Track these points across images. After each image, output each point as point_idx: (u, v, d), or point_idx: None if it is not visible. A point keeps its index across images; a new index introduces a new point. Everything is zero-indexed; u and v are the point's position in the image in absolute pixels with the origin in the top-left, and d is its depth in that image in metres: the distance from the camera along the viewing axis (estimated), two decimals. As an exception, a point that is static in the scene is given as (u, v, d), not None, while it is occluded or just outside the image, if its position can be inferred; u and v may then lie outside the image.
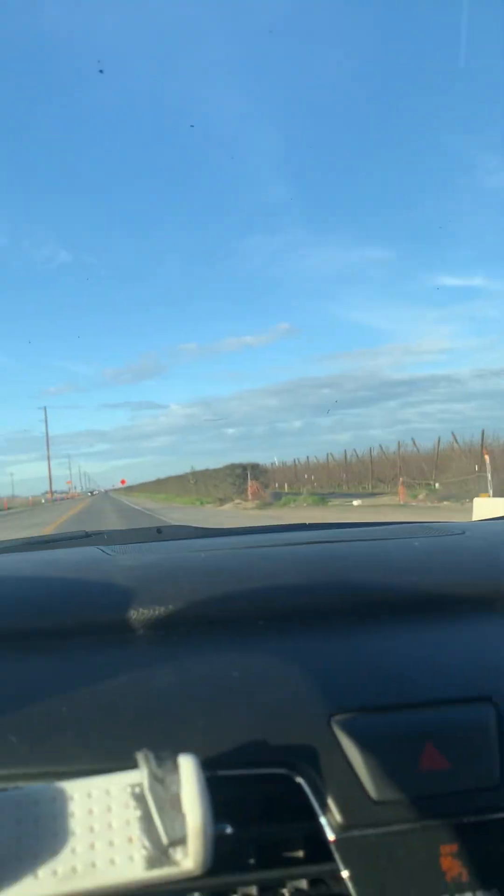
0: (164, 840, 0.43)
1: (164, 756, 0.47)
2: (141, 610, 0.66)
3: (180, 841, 0.43)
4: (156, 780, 0.45)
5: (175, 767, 0.46)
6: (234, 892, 0.51)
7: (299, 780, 0.51)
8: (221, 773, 0.50)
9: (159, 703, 0.55)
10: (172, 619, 0.66)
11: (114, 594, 0.67)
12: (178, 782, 0.45)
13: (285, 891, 0.51)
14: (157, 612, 0.66)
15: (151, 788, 0.45)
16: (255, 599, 0.68)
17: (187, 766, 0.45)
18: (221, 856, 0.45)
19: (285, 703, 0.55)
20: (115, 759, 0.50)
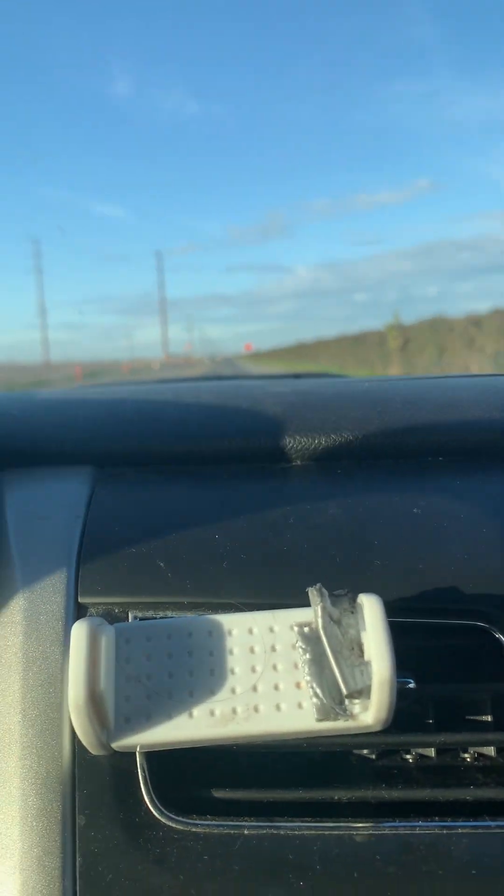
0: (342, 689, 0.36)
1: (341, 594, 0.39)
2: (298, 438, 0.57)
3: (361, 692, 0.36)
4: (331, 619, 0.37)
5: (353, 608, 0.38)
6: (409, 753, 0.43)
7: (499, 635, 0.42)
8: (404, 620, 0.42)
9: (327, 540, 0.46)
10: (335, 449, 0.57)
11: (267, 419, 0.59)
12: (357, 625, 0.38)
13: (467, 756, 0.43)
14: (316, 441, 0.57)
15: (326, 628, 0.37)
16: (437, 432, 0.58)
17: (372, 607, 0.37)
18: (399, 712, 0.37)
19: (480, 547, 0.46)
20: (276, 597, 0.43)
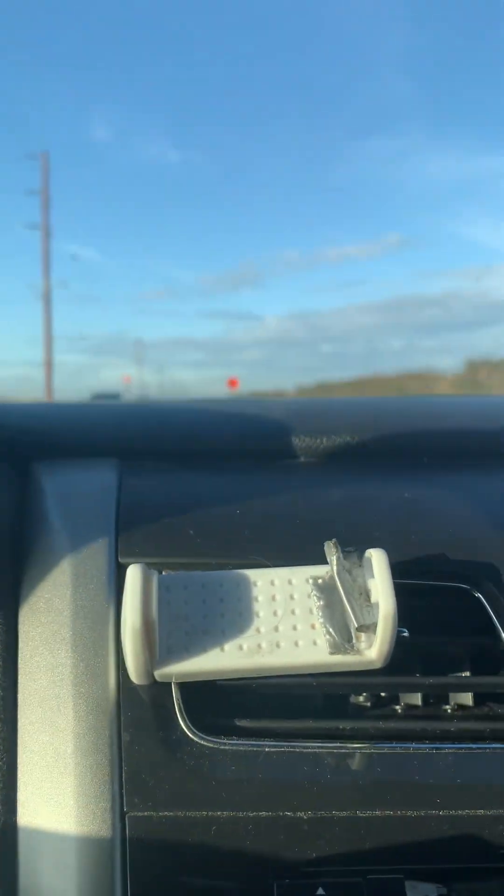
0: (353, 623, 0.43)
1: (351, 550, 0.46)
2: (303, 438, 0.65)
3: (367, 628, 0.43)
4: (343, 569, 0.45)
5: (361, 563, 0.46)
6: (398, 703, 0.50)
7: (478, 594, 0.50)
8: (400, 581, 0.49)
9: (333, 515, 0.54)
10: (335, 449, 0.65)
11: (275, 422, 0.67)
12: (364, 576, 0.45)
13: (448, 707, 0.51)
14: (318, 441, 0.65)
15: (340, 574, 0.45)
16: (423, 435, 0.66)
17: (378, 558, 0.45)
18: (394, 660, 0.45)
19: (463, 523, 0.54)
20: (293, 558, 0.50)
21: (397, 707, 0.50)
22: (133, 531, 0.52)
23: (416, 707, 0.50)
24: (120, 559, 0.50)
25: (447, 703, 0.51)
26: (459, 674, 0.52)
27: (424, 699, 0.51)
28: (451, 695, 0.50)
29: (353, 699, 0.50)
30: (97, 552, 0.50)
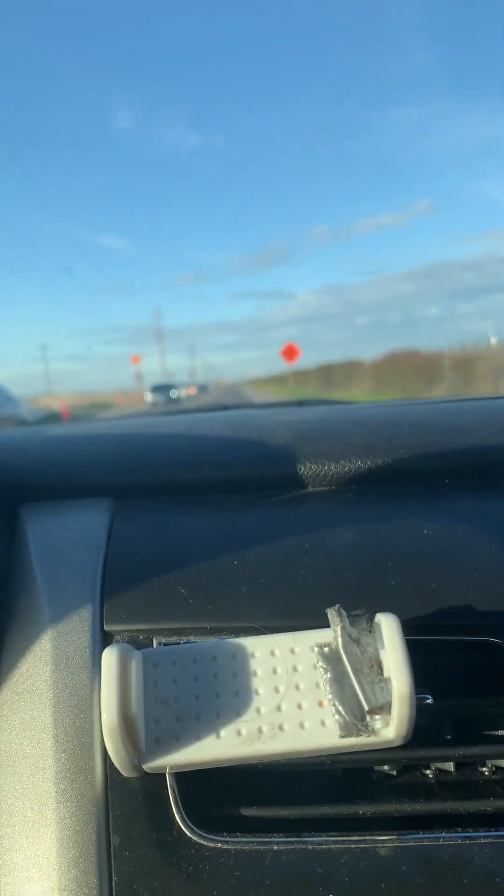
0: (364, 705, 0.37)
1: (359, 614, 0.40)
2: (309, 465, 0.59)
3: (382, 708, 0.37)
4: (350, 638, 0.39)
5: (371, 627, 0.40)
6: (428, 768, 0.45)
7: None
8: (420, 637, 0.43)
9: (342, 563, 0.48)
10: (345, 475, 0.59)
11: (278, 448, 0.61)
12: (375, 643, 0.39)
13: (485, 769, 0.45)
14: (326, 468, 0.59)
15: (346, 647, 0.39)
16: (443, 455, 0.59)
17: (389, 625, 0.39)
18: (418, 727, 0.39)
19: (491, 566, 0.47)
20: (296, 619, 0.44)
21: (428, 772, 0.45)
22: (120, 593, 0.47)
23: (448, 773, 0.45)
24: (105, 627, 0.45)
25: (483, 765, 0.45)
26: (495, 732, 0.46)
27: (458, 763, 0.45)
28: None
29: (375, 767, 0.45)
30: (81, 620, 0.45)
